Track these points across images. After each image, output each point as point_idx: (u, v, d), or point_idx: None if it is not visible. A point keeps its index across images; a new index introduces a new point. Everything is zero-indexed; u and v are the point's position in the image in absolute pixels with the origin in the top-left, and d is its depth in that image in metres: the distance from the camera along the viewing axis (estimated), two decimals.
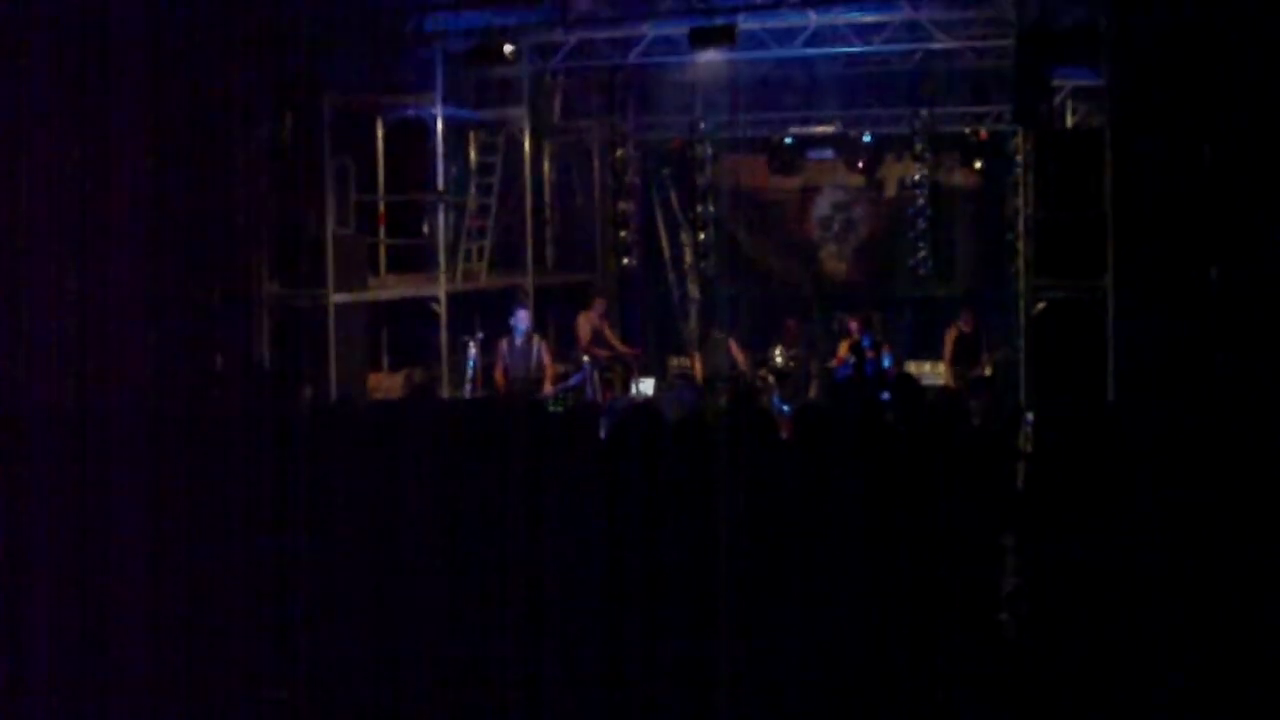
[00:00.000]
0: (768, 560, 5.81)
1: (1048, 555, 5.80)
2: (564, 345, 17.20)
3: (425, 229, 16.63)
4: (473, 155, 17.67)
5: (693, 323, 19.36)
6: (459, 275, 16.46)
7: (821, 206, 19.24)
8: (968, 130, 18.01)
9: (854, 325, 15.90)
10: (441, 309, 15.56)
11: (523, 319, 14.26)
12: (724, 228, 19.54)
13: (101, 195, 8.13)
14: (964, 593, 5.80)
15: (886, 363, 15.28)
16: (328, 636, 6.19)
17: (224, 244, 10.78)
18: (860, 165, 18.78)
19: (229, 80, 10.98)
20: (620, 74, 18.66)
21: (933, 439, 6.39)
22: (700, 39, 14.86)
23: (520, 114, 16.90)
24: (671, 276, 19.78)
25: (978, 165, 18.20)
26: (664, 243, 19.80)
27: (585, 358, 16.09)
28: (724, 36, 14.67)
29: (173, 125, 9.10)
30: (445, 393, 14.92)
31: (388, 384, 15.30)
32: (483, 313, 16.02)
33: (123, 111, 8.40)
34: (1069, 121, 15.62)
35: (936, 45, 15.60)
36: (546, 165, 19.27)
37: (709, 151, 19.37)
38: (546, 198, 19.20)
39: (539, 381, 13.99)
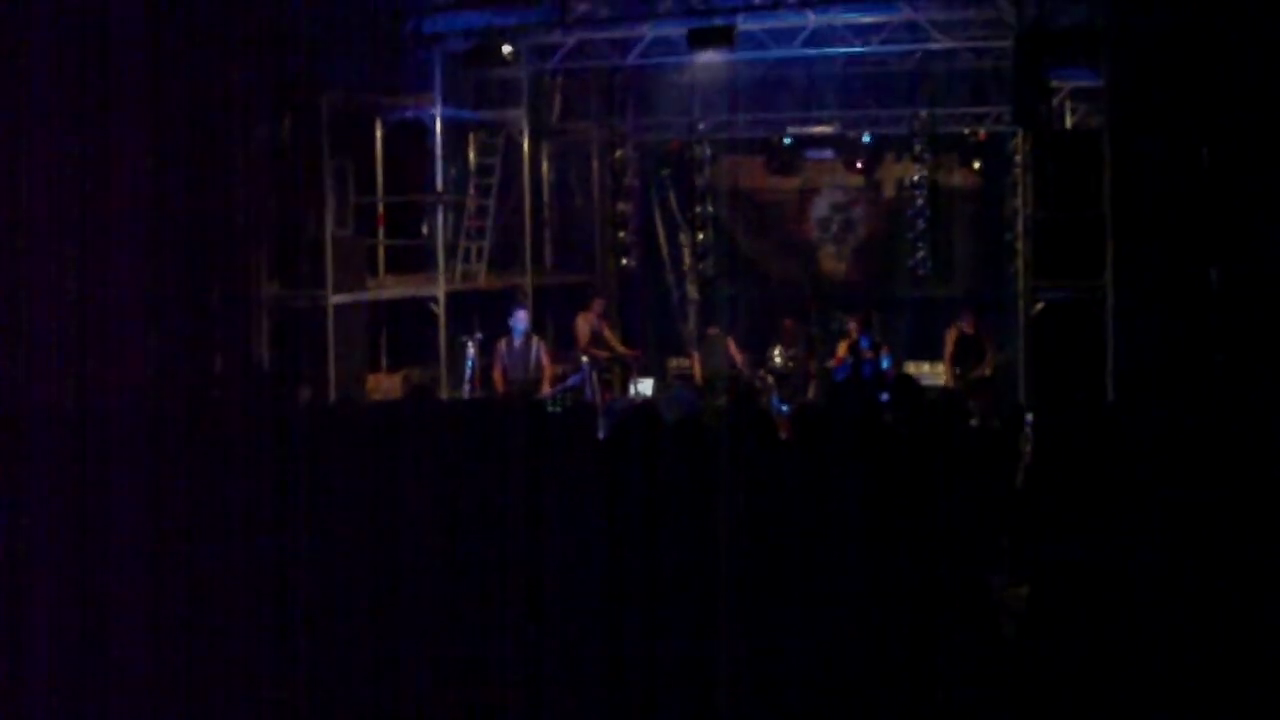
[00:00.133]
0: (766, 560, 5.82)
1: (1047, 555, 5.81)
2: (563, 346, 17.18)
3: (424, 230, 16.63)
4: (471, 156, 17.65)
5: (691, 323, 19.34)
6: (458, 276, 16.46)
7: (820, 207, 19.22)
8: (967, 131, 18.00)
9: (853, 326, 15.88)
10: (440, 309, 15.57)
11: (521, 319, 14.24)
12: (723, 228, 19.51)
13: (101, 195, 8.13)
14: (963, 593, 5.81)
15: (885, 364, 15.26)
16: (328, 636, 6.19)
17: (223, 245, 10.76)
18: (859, 166, 18.76)
19: (229, 81, 10.97)
20: (619, 75, 18.66)
21: (932, 439, 6.39)
22: (699, 40, 14.86)
23: (519, 115, 16.92)
24: (670, 277, 19.76)
25: (976, 166, 18.19)
26: (663, 243, 19.78)
27: (584, 358, 16.07)
28: (723, 37, 14.67)
29: (172, 126, 9.10)
30: (444, 393, 14.91)
31: (386, 384, 15.28)
32: (481, 313, 16.01)
33: (123, 111, 8.40)
34: (1068, 122, 15.63)
35: (935, 46, 15.61)
36: (545, 166, 19.27)
37: (708, 152, 19.36)
38: (545, 198, 19.19)
39: (537, 382, 13.97)
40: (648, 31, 15.86)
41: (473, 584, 6.10)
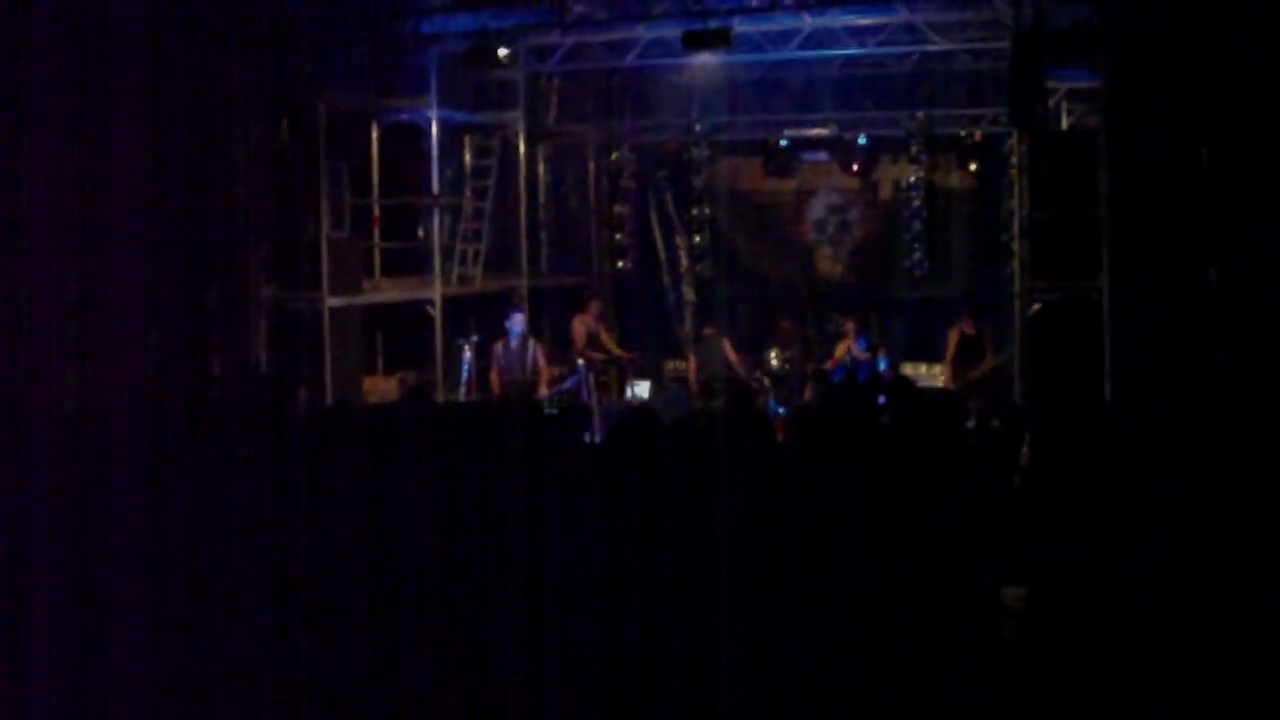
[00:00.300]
0: (764, 562, 5.82)
1: (1046, 555, 5.81)
2: (559, 348, 17.19)
3: (420, 232, 16.64)
4: (468, 158, 17.65)
5: (688, 325, 19.35)
6: (454, 278, 16.46)
7: (817, 209, 19.24)
8: (963, 132, 18.01)
9: (850, 327, 15.89)
10: (436, 312, 15.57)
11: (518, 322, 14.25)
12: (719, 230, 19.53)
13: (101, 196, 8.12)
14: (962, 593, 5.81)
15: (882, 365, 15.27)
16: (327, 636, 6.19)
17: (221, 246, 10.77)
18: (855, 167, 18.77)
19: (227, 83, 10.98)
20: (616, 77, 18.67)
21: (929, 440, 6.40)
22: (695, 42, 14.86)
23: (515, 117, 16.93)
24: (667, 279, 19.77)
25: (973, 167, 18.19)
26: (659, 245, 19.78)
27: (580, 360, 16.08)
28: (719, 39, 14.67)
29: (172, 127, 9.10)
30: (440, 396, 14.91)
31: (383, 387, 15.27)
32: (478, 316, 16.03)
33: (121, 112, 8.39)
34: (1064, 123, 15.66)
35: (932, 47, 15.61)
36: (542, 168, 19.29)
37: (704, 154, 19.37)
38: (541, 200, 19.20)
39: (534, 384, 13.98)
40: (644, 33, 15.87)
41: (471, 584, 6.10)
